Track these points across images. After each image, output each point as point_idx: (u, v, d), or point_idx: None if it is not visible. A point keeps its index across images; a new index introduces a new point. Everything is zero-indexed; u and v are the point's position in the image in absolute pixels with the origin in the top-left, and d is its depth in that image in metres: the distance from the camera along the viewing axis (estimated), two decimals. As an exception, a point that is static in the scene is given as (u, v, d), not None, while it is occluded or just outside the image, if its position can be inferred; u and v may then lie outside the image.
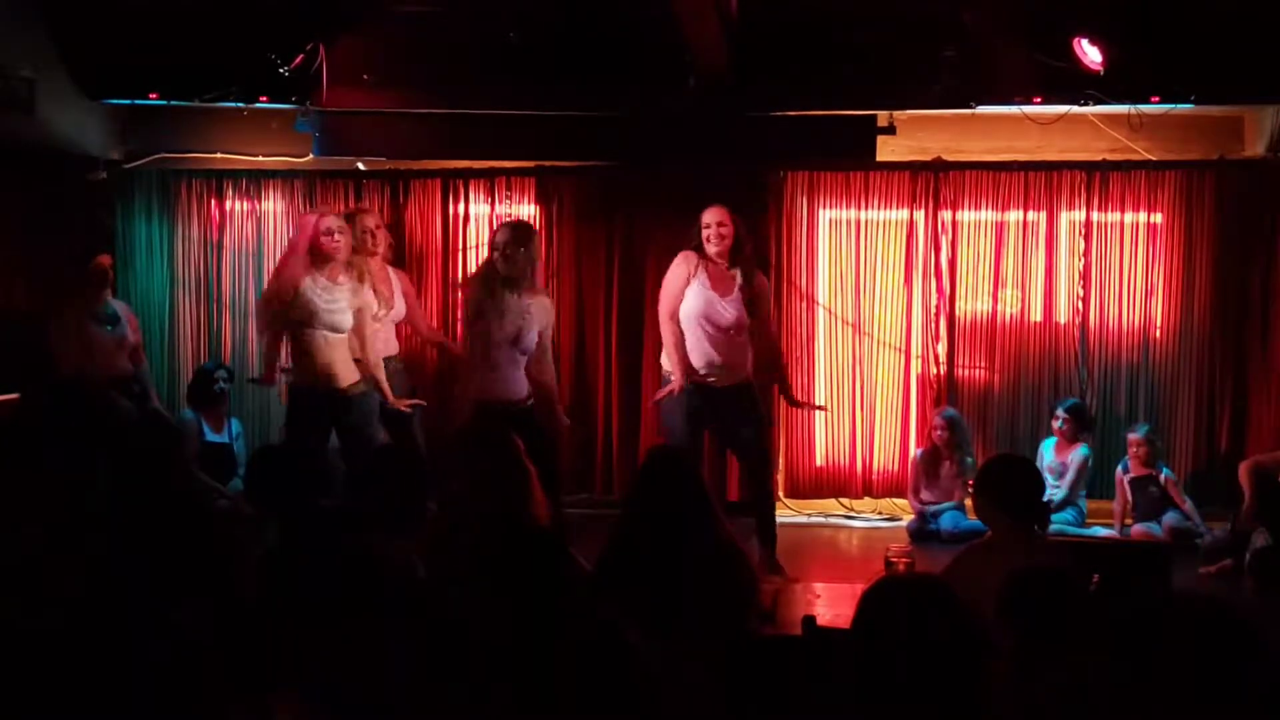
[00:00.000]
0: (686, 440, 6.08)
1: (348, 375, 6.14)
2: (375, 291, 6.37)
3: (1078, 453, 7.28)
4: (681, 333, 6.14)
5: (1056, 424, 7.36)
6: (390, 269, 7.06)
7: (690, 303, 6.11)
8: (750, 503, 6.44)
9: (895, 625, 2.37)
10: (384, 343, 6.61)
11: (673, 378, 6.16)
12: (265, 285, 6.34)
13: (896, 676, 2.32)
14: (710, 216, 6.18)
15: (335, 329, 6.09)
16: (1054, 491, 7.07)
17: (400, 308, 6.89)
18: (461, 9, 7.14)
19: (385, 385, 6.32)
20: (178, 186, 8.02)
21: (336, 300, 6.10)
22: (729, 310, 6.12)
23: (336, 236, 6.11)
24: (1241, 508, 6.66)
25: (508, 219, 6.54)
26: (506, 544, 3.25)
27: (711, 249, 6.14)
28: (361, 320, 6.18)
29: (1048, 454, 7.35)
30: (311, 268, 6.07)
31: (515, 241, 5.94)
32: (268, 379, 6.51)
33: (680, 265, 6.18)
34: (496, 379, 5.92)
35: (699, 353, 6.12)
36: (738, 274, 6.19)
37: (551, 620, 2.33)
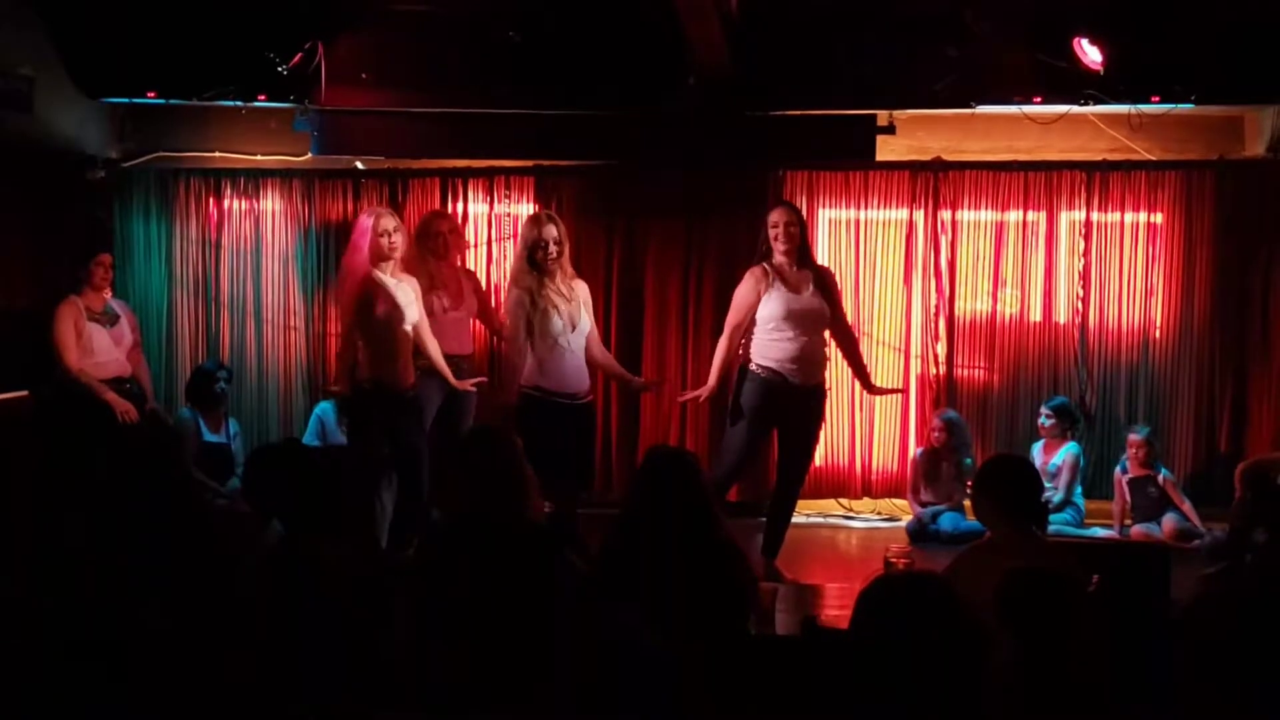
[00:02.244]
0: (748, 439, 6.22)
1: (412, 374, 6.28)
2: (444, 289, 6.62)
3: (1068, 452, 7.27)
4: (730, 347, 6.25)
5: (1041, 421, 7.36)
6: (461, 270, 7.11)
7: (771, 308, 6.15)
8: (771, 508, 6.49)
9: (893, 623, 2.36)
10: (456, 340, 6.68)
11: (709, 382, 6.34)
12: (339, 290, 6.48)
13: (895, 676, 2.31)
14: (777, 216, 6.23)
15: (412, 322, 6.23)
16: (1048, 493, 7.04)
17: (472, 305, 6.94)
18: (461, 9, 7.14)
19: (447, 370, 6.39)
20: (176, 185, 8.01)
21: (407, 294, 6.23)
22: (810, 303, 6.18)
23: (394, 238, 6.20)
24: (1243, 510, 6.63)
25: (540, 212, 6.65)
26: (501, 543, 3.25)
27: (780, 248, 6.17)
28: (422, 316, 6.33)
29: (1037, 456, 7.32)
30: (373, 265, 6.16)
31: (562, 234, 6.07)
32: (344, 387, 6.49)
33: (749, 283, 6.23)
34: (566, 371, 6.04)
35: (783, 349, 6.15)
36: (809, 273, 6.25)
37: (546, 619, 2.33)
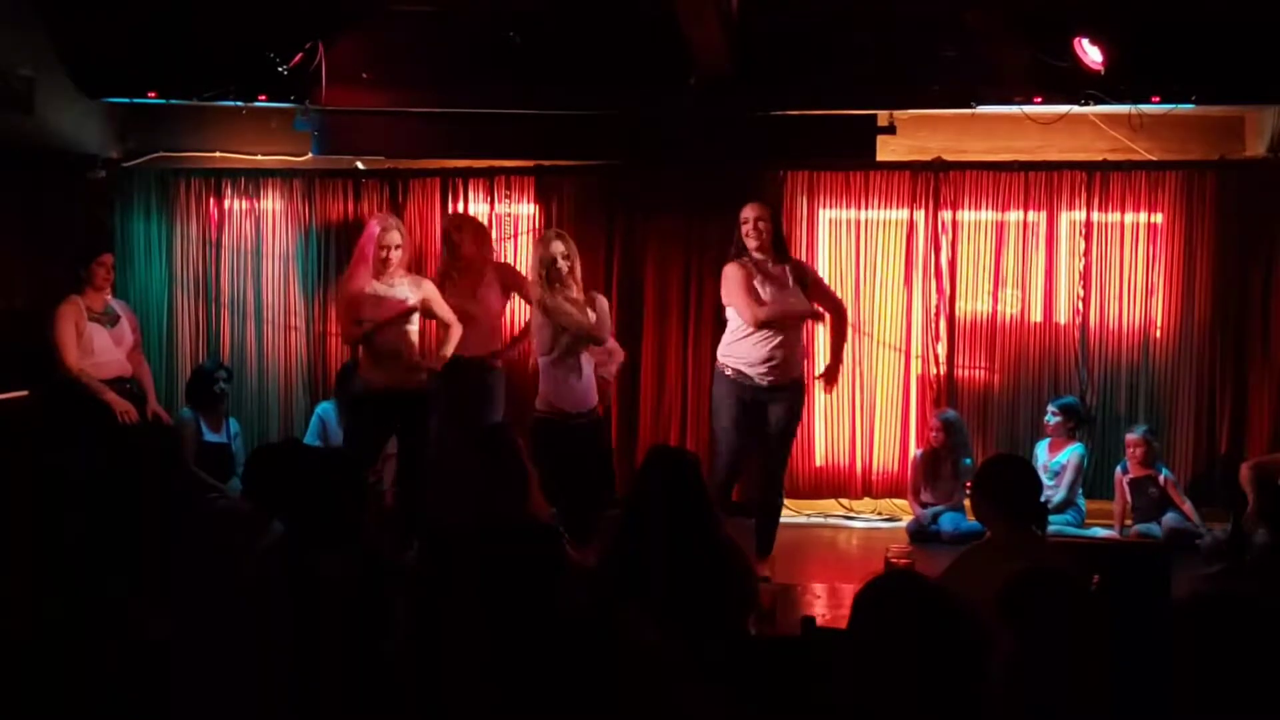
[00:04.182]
0: (733, 435, 6.21)
1: (409, 376, 6.33)
2: (469, 297, 6.65)
3: (1073, 453, 7.28)
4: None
5: (1047, 419, 7.36)
6: (491, 266, 7.06)
7: None
8: (757, 509, 6.46)
9: (888, 624, 2.37)
10: (478, 342, 6.70)
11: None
12: (339, 294, 6.55)
13: (893, 676, 2.31)
14: (748, 212, 6.25)
15: (412, 323, 6.34)
16: (1050, 493, 7.06)
17: (496, 308, 6.92)
18: (461, 9, 7.14)
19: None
20: (176, 185, 8.02)
21: (404, 294, 6.31)
22: (792, 300, 6.17)
23: (393, 253, 6.29)
24: (1245, 510, 6.63)
25: (547, 231, 6.72)
26: (503, 543, 3.25)
27: (751, 244, 6.20)
28: (440, 309, 6.43)
29: (1041, 454, 7.35)
30: (374, 276, 6.26)
31: (571, 249, 6.13)
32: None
33: (735, 269, 6.21)
34: (580, 386, 6.12)
35: (754, 352, 6.16)
36: (785, 267, 6.25)
37: (546, 617, 2.33)
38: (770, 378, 6.16)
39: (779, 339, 6.14)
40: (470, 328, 6.62)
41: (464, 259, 6.86)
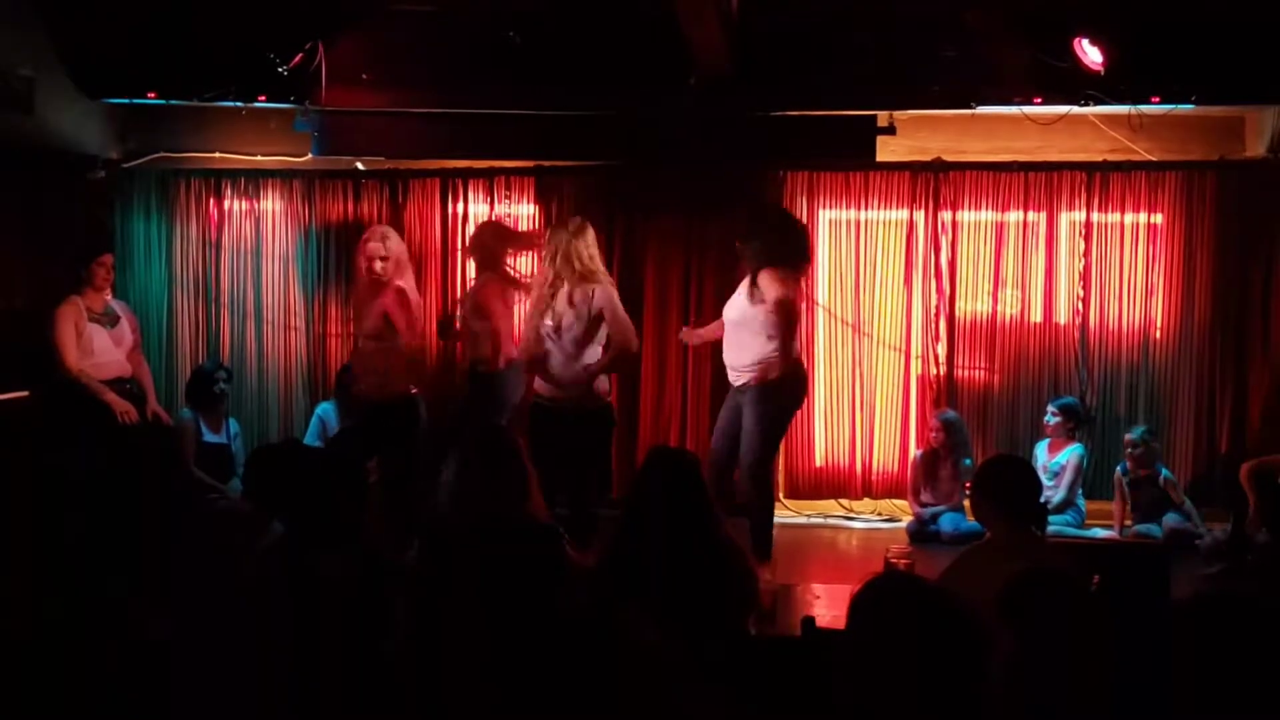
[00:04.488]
0: (719, 438, 6.41)
1: (395, 384, 6.42)
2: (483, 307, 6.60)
3: (1073, 453, 7.28)
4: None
5: (1047, 419, 7.37)
6: (479, 284, 7.00)
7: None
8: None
9: (886, 626, 2.37)
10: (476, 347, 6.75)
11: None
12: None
13: (892, 677, 2.31)
14: None
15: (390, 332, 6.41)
16: (1050, 493, 7.06)
17: (485, 326, 6.84)
18: (461, 9, 7.14)
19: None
20: (176, 186, 8.02)
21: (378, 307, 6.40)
22: (736, 306, 6.32)
23: (376, 264, 6.35)
24: (1246, 511, 6.64)
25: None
26: (503, 542, 3.25)
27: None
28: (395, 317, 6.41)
29: (1041, 455, 7.35)
30: (364, 285, 6.40)
31: (557, 239, 6.19)
32: None
33: None
34: (555, 374, 6.14)
35: (725, 353, 6.41)
36: (750, 273, 6.33)
37: (546, 617, 2.33)
38: (731, 377, 6.35)
39: (732, 341, 6.32)
40: (481, 339, 6.68)
41: (490, 269, 6.92)
